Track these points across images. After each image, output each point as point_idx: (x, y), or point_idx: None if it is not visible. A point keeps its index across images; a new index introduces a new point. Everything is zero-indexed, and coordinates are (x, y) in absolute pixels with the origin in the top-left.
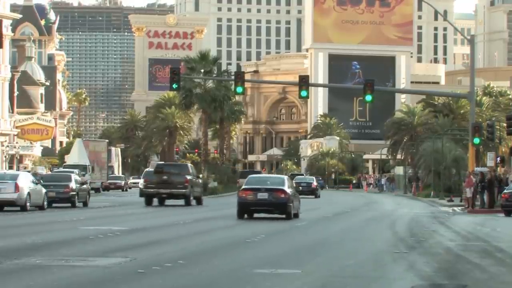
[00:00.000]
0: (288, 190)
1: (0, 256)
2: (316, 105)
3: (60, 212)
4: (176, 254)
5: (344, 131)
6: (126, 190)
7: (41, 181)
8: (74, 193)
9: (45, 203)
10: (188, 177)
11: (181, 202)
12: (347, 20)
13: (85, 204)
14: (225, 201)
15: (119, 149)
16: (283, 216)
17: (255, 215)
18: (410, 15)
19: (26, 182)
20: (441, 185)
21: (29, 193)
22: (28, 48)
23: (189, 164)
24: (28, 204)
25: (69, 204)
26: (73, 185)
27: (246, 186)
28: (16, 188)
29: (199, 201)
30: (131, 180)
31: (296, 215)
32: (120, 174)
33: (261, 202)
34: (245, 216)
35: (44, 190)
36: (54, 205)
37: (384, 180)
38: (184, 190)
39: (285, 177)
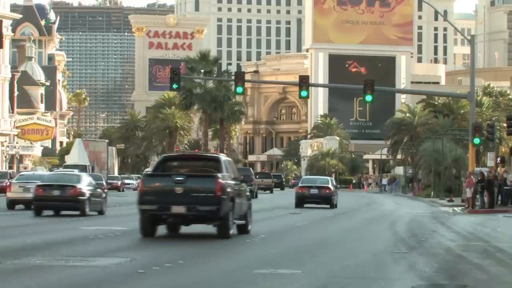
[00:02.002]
0: (332, 188)
1: (0, 256)
2: (316, 105)
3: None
4: (176, 254)
5: (344, 131)
6: (123, 191)
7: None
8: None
9: None
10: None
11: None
12: (347, 20)
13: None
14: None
15: (114, 149)
16: (328, 206)
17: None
18: (410, 15)
19: None
20: (441, 185)
21: None
22: (28, 48)
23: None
24: None
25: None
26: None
27: (301, 184)
28: None
29: None
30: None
31: (336, 205)
32: (117, 174)
33: (312, 195)
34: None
35: None
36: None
37: (385, 180)
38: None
39: (329, 178)
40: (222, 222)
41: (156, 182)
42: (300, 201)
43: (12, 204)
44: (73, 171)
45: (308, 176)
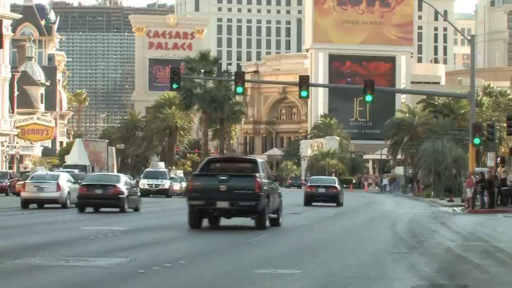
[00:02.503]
0: (338, 187)
1: (0, 256)
2: (316, 105)
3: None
4: (176, 254)
5: (344, 131)
6: None
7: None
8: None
9: None
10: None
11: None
12: (347, 20)
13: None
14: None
15: (114, 149)
16: (334, 204)
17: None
18: (410, 15)
19: (65, 182)
20: (441, 185)
21: (69, 192)
22: (28, 48)
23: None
24: (68, 202)
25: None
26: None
27: (310, 184)
28: (58, 187)
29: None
30: None
31: (342, 204)
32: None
33: (320, 194)
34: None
35: None
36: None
37: (386, 180)
38: None
39: (336, 178)
40: (259, 216)
41: (203, 181)
42: (309, 200)
43: (26, 203)
44: (73, 171)
45: (316, 176)
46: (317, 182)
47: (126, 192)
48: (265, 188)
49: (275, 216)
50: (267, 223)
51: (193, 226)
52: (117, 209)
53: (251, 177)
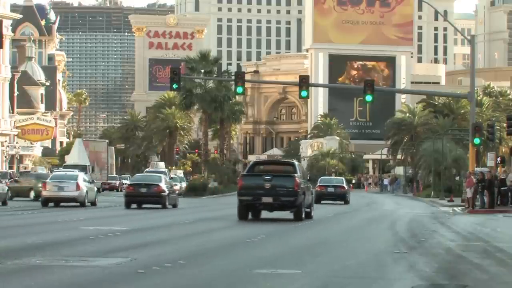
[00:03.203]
0: (346, 186)
1: (0, 256)
2: (316, 105)
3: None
4: (177, 254)
5: (344, 131)
6: (121, 191)
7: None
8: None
9: (97, 199)
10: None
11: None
12: (347, 20)
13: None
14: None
15: (112, 148)
16: (342, 202)
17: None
18: (410, 15)
19: (83, 182)
20: (441, 185)
21: (86, 191)
22: (28, 48)
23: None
24: (86, 200)
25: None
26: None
27: (320, 184)
28: (77, 187)
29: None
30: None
31: (349, 202)
32: (114, 174)
33: (329, 193)
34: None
35: (95, 189)
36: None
37: (387, 180)
38: None
39: (343, 179)
40: (297, 209)
41: (250, 181)
42: (318, 198)
43: (46, 202)
44: (74, 171)
45: (325, 177)
46: (327, 182)
47: (167, 191)
48: (301, 186)
49: (308, 210)
50: (303, 215)
51: (241, 218)
52: (159, 206)
53: (291, 177)
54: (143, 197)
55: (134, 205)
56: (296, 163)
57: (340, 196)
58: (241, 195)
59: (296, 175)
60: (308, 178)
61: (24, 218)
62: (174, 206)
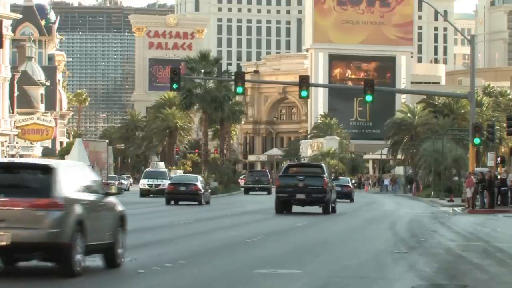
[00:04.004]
0: (351, 186)
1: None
2: (316, 105)
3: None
4: (177, 254)
5: (344, 131)
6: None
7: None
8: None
9: None
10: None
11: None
12: (347, 20)
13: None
14: (229, 201)
15: (111, 148)
16: (348, 200)
17: None
18: (410, 15)
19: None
20: (441, 185)
21: None
22: (28, 48)
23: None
24: None
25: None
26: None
27: None
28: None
29: None
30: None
31: (353, 200)
32: (113, 174)
33: (337, 192)
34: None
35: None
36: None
37: (387, 181)
38: None
39: (348, 179)
40: (325, 204)
41: (286, 180)
42: None
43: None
44: None
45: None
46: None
47: (202, 190)
48: (329, 185)
49: (333, 205)
50: (330, 210)
51: (278, 212)
52: (195, 203)
53: (320, 177)
54: (182, 195)
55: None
56: (323, 165)
57: (347, 195)
58: (278, 192)
59: (324, 175)
60: (332, 178)
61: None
62: (207, 203)
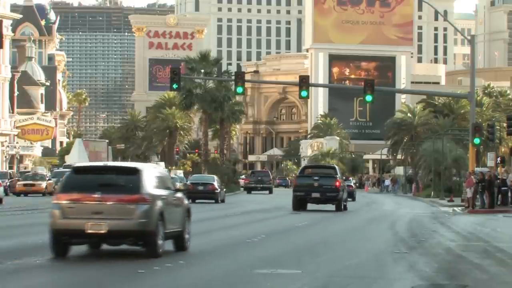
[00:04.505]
0: (353, 185)
1: (0, 256)
2: (316, 105)
3: None
4: (177, 254)
5: (344, 131)
6: None
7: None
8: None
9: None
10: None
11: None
12: (347, 20)
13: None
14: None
15: (110, 148)
16: (350, 199)
17: None
18: (410, 15)
19: None
20: (441, 185)
21: None
22: (28, 48)
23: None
24: None
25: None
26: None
27: None
28: None
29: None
30: None
31: (355, 199)
32: None
33: None
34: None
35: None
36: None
37: (388, 181)
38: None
39: (351, 179)
40: (338, 202)
41: (303, 180)
42: None
43: None
44: None
45: None
46: None
47: (218, 189)
48: (342, 184)
49: (345, 203)
50: (342, 207)
51: (295, 209)
52: (212, 201)
53: (334, 178)
54: (200, 194)
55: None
56: (336, 167)
57: (350, 194)
58: (295, 191)
59: (337, 176)
60: (343, 178)
61: (23, 219)
62: (223, 201)
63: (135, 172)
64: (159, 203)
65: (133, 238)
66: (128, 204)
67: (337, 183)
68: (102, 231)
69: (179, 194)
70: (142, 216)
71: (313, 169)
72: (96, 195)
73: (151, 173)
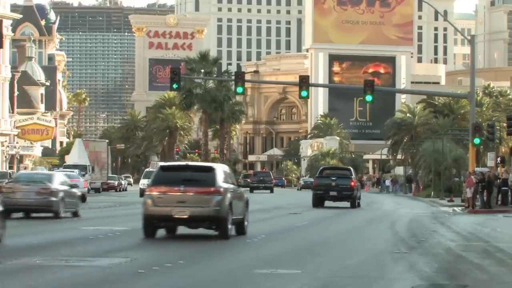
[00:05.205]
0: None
1: (0, 256)
2: (316, 105)
3: None
4: (177, 254)
5: (344, 131)
6: (121, 191)
7: None
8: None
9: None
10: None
11: None
12: (347, 20)
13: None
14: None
15: (109, 148)
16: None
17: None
18: (410, 15)
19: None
20: (441, 185)
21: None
22: (28, 48)
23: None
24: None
25: None
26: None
27: None
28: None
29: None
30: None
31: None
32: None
33: None
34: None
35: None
36: None
37: (388, 181)
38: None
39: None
40: (353, 200)
41: (322, 180)
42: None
43: None
44: (73, 171)
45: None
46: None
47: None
48: (356, 184)
49: (359, 201)
50: (356, 204)
51: (315, 206)
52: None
53: (349, 178)
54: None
55: None
56: (351, 168)
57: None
58: (315, 190)
59: (352, 177)
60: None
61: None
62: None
63: (210, 170)
64: (229, 195)
65: (209, 222)
66: (206, 195)
67: (352, 183)
68: (185, 216)
69: (241, 189)
70: (217, 204)
71: (330, 171)
72: (180, 188)
73: (222, 171)
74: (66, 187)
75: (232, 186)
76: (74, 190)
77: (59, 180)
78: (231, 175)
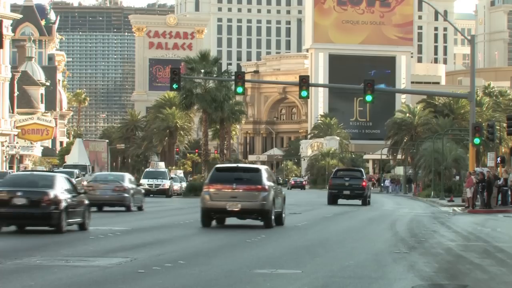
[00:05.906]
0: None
1: (0, 256)
2: (317, 105)
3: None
4: (177, 254)
5: (344, 131)
6: None
7: None
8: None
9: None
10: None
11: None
12: (347, 20)
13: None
14: None
15: (108, 147)
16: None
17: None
18: (410, 15)
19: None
20: (441, 185)
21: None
22: (28, 48)
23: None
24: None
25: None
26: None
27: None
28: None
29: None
30: None
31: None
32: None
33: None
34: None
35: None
36: None
37: (388, 181)
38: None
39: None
40: (364, 198)
41: (336, 180)
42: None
43: None
44: (73, 171)
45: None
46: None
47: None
48: (367, 184)
49: (369, 199)
50: (367, 202)
51: (330, 203)
52: None
53: (361, 178)
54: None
55: None
56: (363, 170)
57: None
58: (330, 189)
59: (363, 177)
60: (369, 179)
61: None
62: None
63: (257, 170)
64: (272, 192)
65: (256, 214)
66: (254, 191)
67: (363, 183)
68: (237, 209)
69: (280, 186)
70: (263, 199)
71: (344, 172)
72: (232, 186)
73: (266, 172)
74: (134, 186)
75: (273, 184)
76: (140, 188)
77: (129, 179)
78: (272, 174)
